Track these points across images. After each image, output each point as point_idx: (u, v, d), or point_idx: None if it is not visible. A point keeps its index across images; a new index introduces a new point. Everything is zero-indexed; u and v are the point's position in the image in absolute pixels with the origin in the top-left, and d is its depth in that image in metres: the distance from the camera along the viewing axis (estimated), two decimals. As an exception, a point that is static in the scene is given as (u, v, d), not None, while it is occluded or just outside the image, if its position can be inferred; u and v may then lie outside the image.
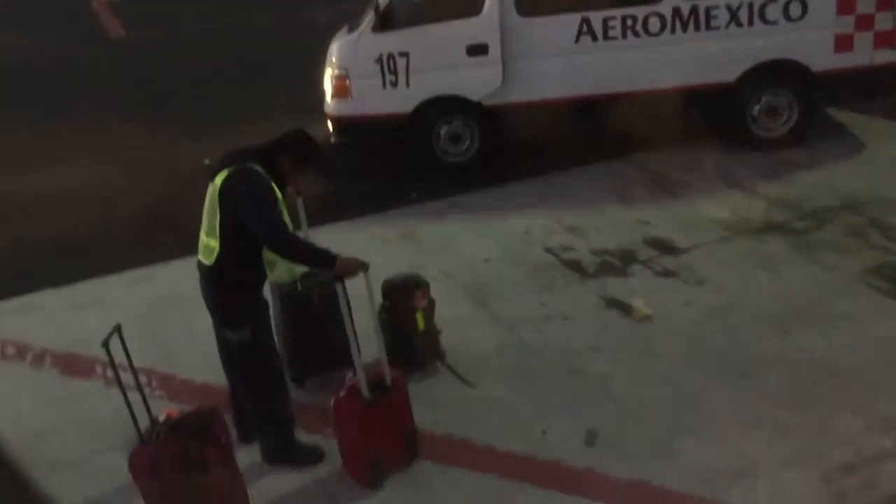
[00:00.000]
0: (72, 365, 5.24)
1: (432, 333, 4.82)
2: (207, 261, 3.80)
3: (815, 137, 7.78)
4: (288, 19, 14.21)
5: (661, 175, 7.47)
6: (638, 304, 5.32)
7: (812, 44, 7.42)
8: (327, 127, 7.75)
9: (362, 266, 3.78)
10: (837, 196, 6.67)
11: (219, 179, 3.71)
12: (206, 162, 3.81)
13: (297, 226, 4.35)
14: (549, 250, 6.23)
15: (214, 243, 3.75)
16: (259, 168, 3.73)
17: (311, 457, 4.15)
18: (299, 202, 4.77)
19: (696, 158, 7.71)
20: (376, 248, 6.34)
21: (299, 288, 4.29)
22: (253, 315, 3.92)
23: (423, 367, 4.78)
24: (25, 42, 14.24)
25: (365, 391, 3.83)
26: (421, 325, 4.72)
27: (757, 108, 7.64)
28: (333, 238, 6.43)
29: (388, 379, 3.96)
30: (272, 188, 3.72)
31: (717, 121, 8.19)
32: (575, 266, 5.97)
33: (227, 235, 3.71)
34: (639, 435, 4.16)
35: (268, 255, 3.82)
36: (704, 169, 7.47)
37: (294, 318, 4.61)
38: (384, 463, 3.95)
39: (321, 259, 3.75)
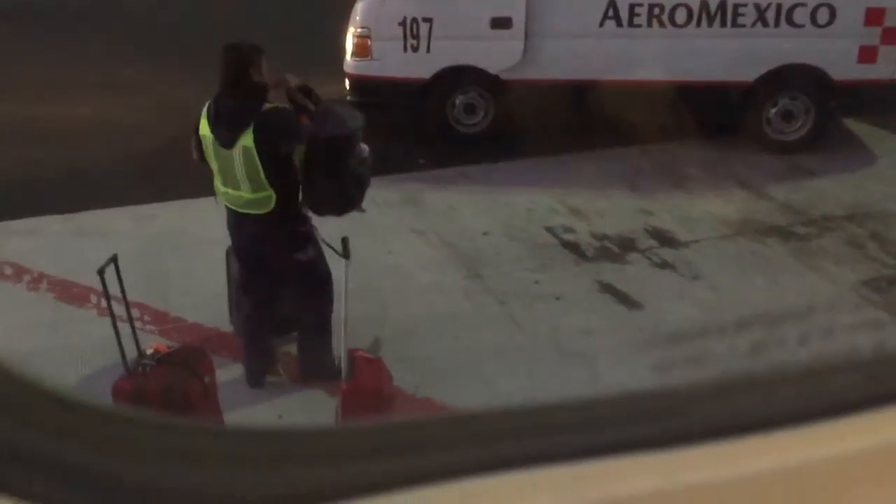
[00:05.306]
0: (67, 291, 5.29)
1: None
2: (263, 210, 3.88)
3: (828, 146, 7.76)
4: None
5: (670, 167, 7.47)
6: None
7: (836, 52, 7.35)
8: (344, 85, 7.75)
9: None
10: (842, 206, 6.68)
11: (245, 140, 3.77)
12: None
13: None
14: (549, 229, 6.26)
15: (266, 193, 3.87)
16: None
17: None
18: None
19: (707, 155, 7.70)
20: (379, 209, 6.35)
21: None
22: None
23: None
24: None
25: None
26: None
27: (773, 110, 7.62)
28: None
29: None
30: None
31: (715, 120, 8.09)
32: (573, 248, 6.00)
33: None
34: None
35: None
36: (714, 166, 7.46)
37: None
38: None
39: None
